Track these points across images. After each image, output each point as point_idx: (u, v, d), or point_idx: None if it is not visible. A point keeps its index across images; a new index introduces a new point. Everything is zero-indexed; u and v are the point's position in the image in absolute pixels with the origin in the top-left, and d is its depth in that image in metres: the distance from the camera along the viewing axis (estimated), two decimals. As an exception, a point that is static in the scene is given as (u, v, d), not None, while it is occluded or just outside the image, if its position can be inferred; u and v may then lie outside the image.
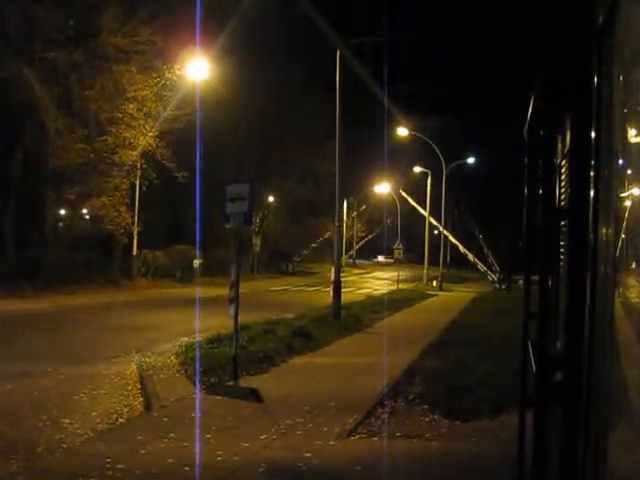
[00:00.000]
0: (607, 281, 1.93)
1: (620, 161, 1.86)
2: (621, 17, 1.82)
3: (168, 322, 16.77)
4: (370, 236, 69.02)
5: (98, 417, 7.53)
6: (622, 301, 1.77)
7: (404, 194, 52.62)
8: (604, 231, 1.98)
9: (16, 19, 24.10)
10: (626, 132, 1.75)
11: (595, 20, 2.08)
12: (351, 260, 65.77)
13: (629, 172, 1.73)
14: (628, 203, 1.70)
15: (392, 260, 34.36)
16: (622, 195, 1.78)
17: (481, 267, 51.58)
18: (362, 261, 70.61)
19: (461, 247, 51.52)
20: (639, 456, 1.43)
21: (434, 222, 42.94)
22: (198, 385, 8.95)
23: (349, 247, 63.85)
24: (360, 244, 69.64)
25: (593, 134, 2.08)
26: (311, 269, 53.70)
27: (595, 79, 2.07)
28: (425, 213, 42.34)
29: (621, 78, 1.87)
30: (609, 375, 1.83)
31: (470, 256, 52.43)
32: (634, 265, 1.64)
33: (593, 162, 2.07)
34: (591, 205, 2.07)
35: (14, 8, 23.73)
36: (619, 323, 1.76)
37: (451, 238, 48.94)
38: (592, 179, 2.09)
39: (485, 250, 57.93)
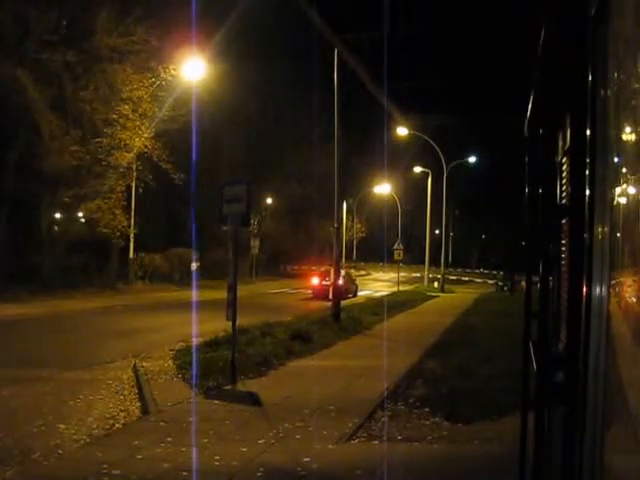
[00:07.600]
0: (608, 280, 1.90)
1: (620, 158, 1.81)
2: (613, 6, 1.78)
3: (165, 326, 16.69)
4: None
5: (94, 422, 7.47)
6: (624, 300, 1.72)
7: None
8: (605, 229, 1.95)
9: (8, 20, 23.88)
10: (624, 128, 1.71)
11: (588, 11, 2.02)
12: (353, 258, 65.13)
13: (629, 169, 1.68)
14: (628, 200, 1.65)
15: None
16: (623, 192, 1.73)
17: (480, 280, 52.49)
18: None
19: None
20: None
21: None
22: (195, 389, 8.87)
23: (349, 249, 63.53)
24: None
25: (593, 131, 2.03)
26: (310, 271, 53.41)
27: (591, 74, 2.02)
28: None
29: (616, 73, 1.82)
30: (611, 375, 1.80)
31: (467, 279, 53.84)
32: (635, 264, 1.59)
33: (593, 159, 2.02)
34: (593, 203, 2.02)
35: (6, 8, 23.52)
36: (621, 323, 1.71)
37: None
38: (593, 177, 2.03)
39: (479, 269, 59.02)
